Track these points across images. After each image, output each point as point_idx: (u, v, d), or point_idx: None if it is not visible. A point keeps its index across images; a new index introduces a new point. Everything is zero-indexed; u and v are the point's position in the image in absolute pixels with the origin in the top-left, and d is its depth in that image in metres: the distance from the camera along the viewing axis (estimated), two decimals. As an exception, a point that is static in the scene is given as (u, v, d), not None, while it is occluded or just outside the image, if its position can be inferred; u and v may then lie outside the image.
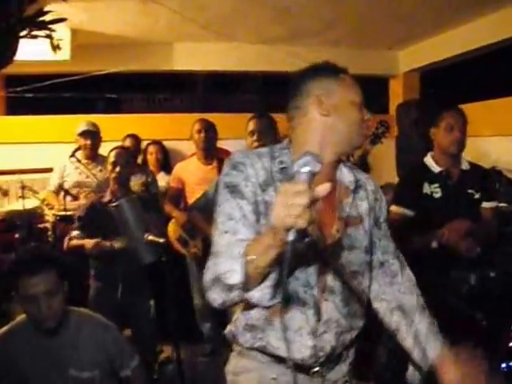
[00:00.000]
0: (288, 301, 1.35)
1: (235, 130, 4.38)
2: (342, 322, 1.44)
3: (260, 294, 1.23)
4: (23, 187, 3.51)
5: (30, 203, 3.55)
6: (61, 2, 3.23)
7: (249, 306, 1.37)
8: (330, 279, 1.42)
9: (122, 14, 4.05)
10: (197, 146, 3.91)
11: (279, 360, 1.42)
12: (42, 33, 2.80)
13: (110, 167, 3.12)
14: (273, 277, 1.21)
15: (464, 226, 2.53)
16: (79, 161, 3.99)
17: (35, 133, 4.97)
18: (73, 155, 3.96)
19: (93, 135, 4.08)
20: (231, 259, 1.25)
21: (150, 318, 3.19)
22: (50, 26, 2.74)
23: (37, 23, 2.63)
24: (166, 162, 4.65)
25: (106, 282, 3.04)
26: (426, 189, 2.68)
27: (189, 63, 5.05)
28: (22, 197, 3.47)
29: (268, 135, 3.13)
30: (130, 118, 5.63)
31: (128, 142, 4.39)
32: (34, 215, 3.47)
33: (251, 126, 3.16)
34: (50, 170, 4.00)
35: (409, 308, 1.52)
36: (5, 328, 2.06)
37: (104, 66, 4.80)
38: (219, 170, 3.93)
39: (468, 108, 2.82)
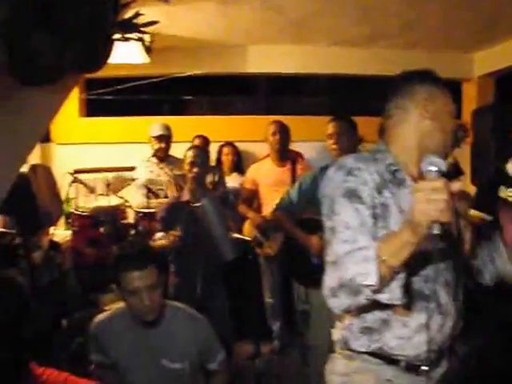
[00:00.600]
0: (413, 298, 1.39)
1: (301, 133, 4.44)
2: (454, 315, 1.48)
3: (391, 294, 1.27)
4: (108, 185, 3.68)
5: (115, 200, 3.70)
6: (144, 6, 3.32)
7: (363, 309, 1.40)
8: (445, 272, 1.46)
9: (201, 16, 4.12)
10: (271, 148, 3.95)
11: (391, 362, 1.45)
12: (134, 36, 2.89)
13: (187, 167, 3.18)
14: (401, 277, 1.26)
15: None
16: (162, 160, 4.16)
17: (114, 133, 5.14)
18: (154, 155, 4.16)
19: (167, 139, 4.24)
20: (356, 264, 1.28)
21: (227, 315, 3.24)
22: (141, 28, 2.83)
23: (131, 26, 2.72)
24: (240, 163, 4.73)
25: (186, 279, 3.12)
26: (503, 193, 2.64)
27: (263, 66, 5.09)
28: (107, 194, 3.63)
29: (347, 137, 3.12)
30: (195, 120, 5.72)
31: (197, 143, 4.48)
32: (118, 212, 3.60)
33: (330, 128, 3.13)
34: (131, 168, 4.15)
35: None
36: (105, 314, 2.17)
37: (179, 68, 4.89)
38: (293, 171, 3.95)
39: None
